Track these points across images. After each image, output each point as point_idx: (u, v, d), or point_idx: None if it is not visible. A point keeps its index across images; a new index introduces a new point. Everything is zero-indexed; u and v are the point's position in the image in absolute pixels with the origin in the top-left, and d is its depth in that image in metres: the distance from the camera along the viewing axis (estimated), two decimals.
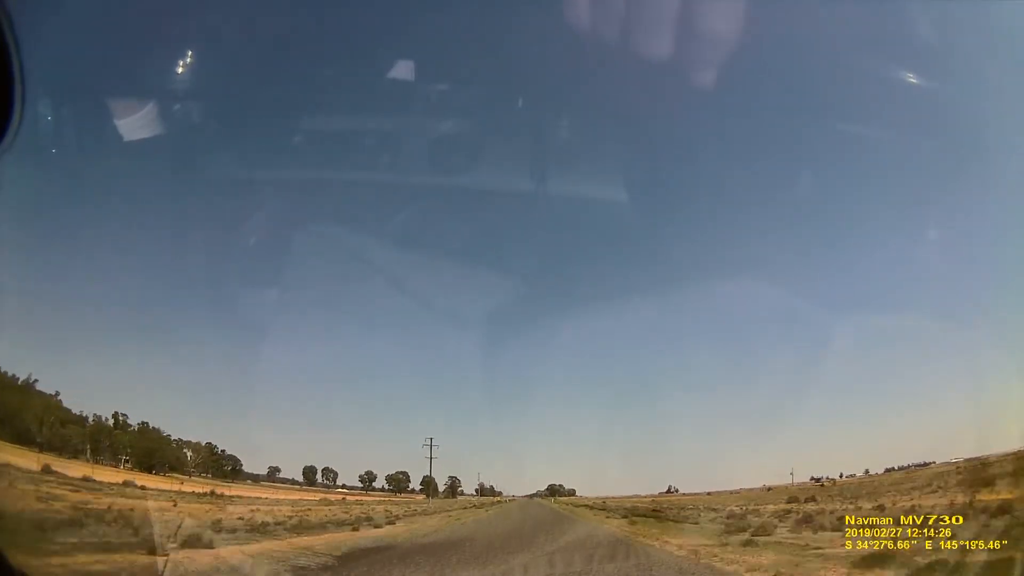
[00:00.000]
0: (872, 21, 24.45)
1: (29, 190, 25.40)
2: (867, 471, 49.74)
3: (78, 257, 46.04)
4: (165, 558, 11.64)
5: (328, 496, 54.96)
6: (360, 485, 65.46)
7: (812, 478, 51.88)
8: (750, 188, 45.53)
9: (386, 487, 66.21)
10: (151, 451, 46.53)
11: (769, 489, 51.72)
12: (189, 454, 52.45)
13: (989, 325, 35.90)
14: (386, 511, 39.73)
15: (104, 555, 10.94)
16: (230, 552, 14.54)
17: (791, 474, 51.85)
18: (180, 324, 58.05)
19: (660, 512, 36.93)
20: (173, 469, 48.39)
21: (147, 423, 47.67)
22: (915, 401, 61.30)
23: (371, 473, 65.86)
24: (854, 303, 47.96)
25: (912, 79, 20.28)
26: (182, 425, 62.11)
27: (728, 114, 32.71)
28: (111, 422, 46.04)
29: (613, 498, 59.55)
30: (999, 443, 25.95)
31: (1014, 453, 23.77)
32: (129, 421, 47.19)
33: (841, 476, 51.68)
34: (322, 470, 63.90)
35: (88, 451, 41.71)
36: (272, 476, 59.33)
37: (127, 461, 45.07)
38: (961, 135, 28.26)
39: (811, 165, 40.05)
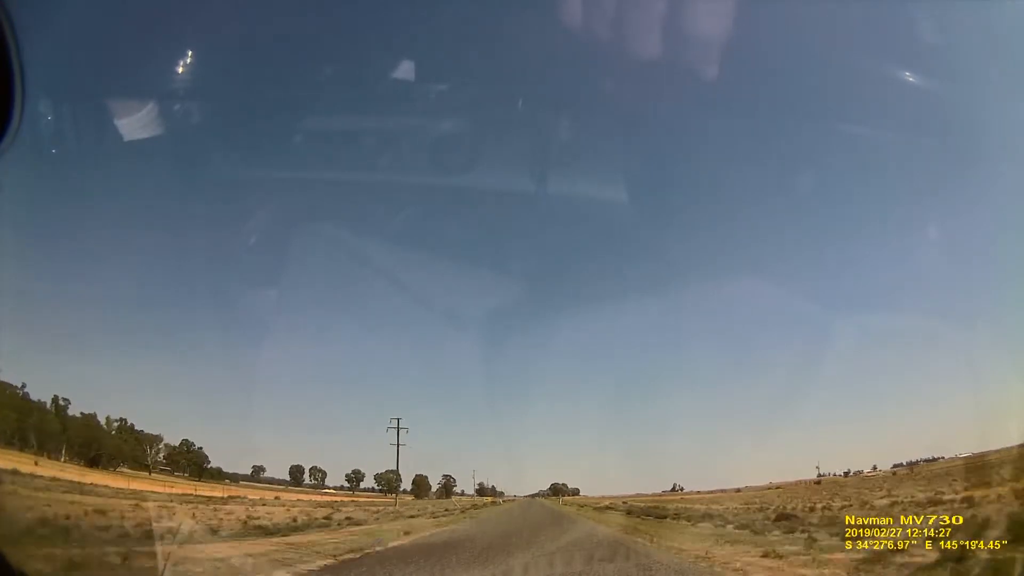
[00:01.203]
0: (872, 21, 24.50)
1: (29, 190, 25.43)
2: (875, 467, 49.59)
3: (77, 256, 46.11)
4: (167, 558, 11.59)
5: (268, 495, 46.87)
6: (352, 486, 62.42)
7: (825, 473, 51.27)
8: (751, 188, 45.64)
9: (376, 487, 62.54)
10: (90, 442, 41.85)
11: (818, 481, 48.59)
12: (160, 449, 48.44)
13: (989, 323, 35.91)
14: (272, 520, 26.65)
15: None
16: None
17: (817, 468, 50.73)
18: (176, 324, 58.47)
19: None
20: (126, 463, 44.23)
21: (96, 413, 43.35)
22: (916, 399, 61.29)
23: (358, 472, 62.57)
24: (855, 302, 48.09)
25: (912, 79, 20.32)
26: (170, 424, 61.46)
27: (728, 114, 32.70)
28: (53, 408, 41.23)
29: (618, 497, 57.81)
30: (998, 440, 25.81)
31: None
32: (83, 411, 42.88)
33: (849, 472, 51.55)
34: (309, 469, 61.88)
35: (34, 440, 38.09)
36: (256, 476, 56.89)
37: (92, 455, 41.17)
38: (961, 135, 28.34)
39: (811, 165, 40.11)
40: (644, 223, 45.55)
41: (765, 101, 35.58)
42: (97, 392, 56.53)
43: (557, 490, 71.01)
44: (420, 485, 63.51)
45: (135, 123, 16.65)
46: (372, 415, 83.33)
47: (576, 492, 68.55)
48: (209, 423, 69.59)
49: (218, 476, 51.15)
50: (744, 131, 36.87)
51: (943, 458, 40.63)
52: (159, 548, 12.63)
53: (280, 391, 66.19)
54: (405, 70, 21.64)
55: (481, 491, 70.42)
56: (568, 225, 56.02)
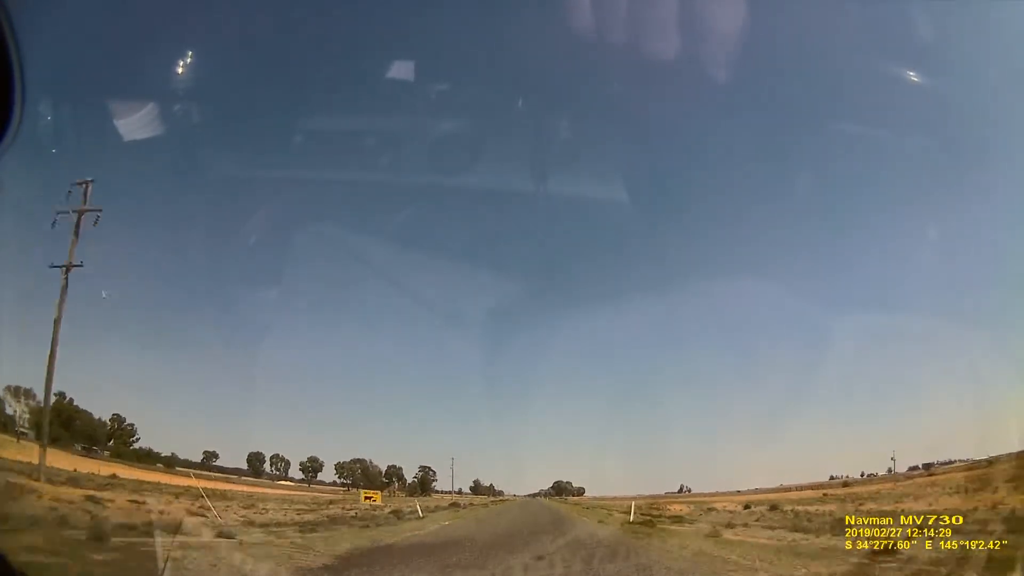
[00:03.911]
0: (872, 20, 24.45)
1: (29, 190, 25.41)
2: (890, 470, 48.57)
3: (76, 255, 45.95)
4: (167, 558, 11.56)
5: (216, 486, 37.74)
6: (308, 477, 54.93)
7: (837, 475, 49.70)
8: (751, 187, 45.36)
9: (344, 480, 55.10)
10: None
11: (932, 469, 38.57)
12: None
13: (989, 324, 35.83)
14: None
15: None
16: None
17: (892, 460, 44.73)
18: (174, 323, 57.49)
19: None
20: None
21: None
22: (920, 400, 60.82)
23: (315, 460, 54.26)
24: (858, 302, 47.62)
25: (913, 78, 20.27)
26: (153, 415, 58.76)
27: (728, 114, 32.78)
28: None
29: (626, 498, 55.79)
30: (999, 445, 25.61)
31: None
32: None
33: (863, 475, 50.37)
34: (270, 458, 53.97)
35: None
36: (207, 463, 48.93)
37: None
38: (962, 134, 28.21)
39: (811, 164, 39.95)
40: (646, 223, 45.34)
41: (765, 101, 35.49)
42: (89, 386, 55.62)
43: (561, 489, 68.94)
44: (369, 477, 56.39)
45: (135, 123, 16.73)
46: (371, 417, 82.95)
47: (581, 492, 66.93)
48: (203, 418, 68.43)
49: (146, 459, 42.41)
50: (744, 131, 36.89)
51: (961, 460, 39.41)
52: (158, 544, 12.62)
53: (279, 390, 65.56)
54: (405, 70, 21.62)
55: (478, 489, 68.84)
56: (570, 225, 55.60)
